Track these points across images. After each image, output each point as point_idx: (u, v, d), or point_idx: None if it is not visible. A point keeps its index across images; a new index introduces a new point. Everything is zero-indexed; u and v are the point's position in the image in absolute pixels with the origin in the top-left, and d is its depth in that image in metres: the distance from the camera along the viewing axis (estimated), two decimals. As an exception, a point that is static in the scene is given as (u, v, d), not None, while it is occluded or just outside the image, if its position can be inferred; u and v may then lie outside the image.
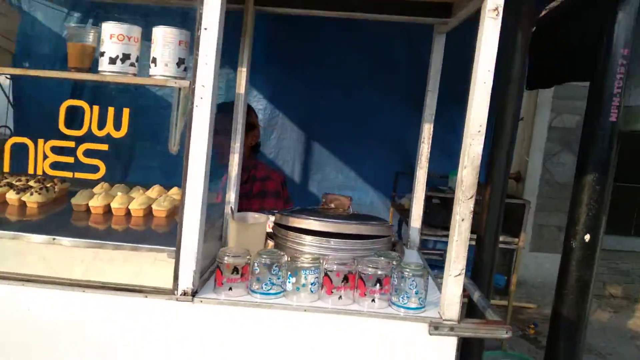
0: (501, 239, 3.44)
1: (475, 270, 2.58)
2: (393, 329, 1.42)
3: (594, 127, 2.16)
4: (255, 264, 1.47)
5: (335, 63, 4.20)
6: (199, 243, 1.42)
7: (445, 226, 2.99)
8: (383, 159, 4.22)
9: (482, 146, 1.28)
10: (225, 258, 1.46)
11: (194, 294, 1.44)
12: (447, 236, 3.58)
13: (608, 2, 2.09)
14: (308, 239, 1.65)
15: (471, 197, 1.31)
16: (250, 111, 2.72)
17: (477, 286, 2.62)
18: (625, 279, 5.66)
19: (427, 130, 2.02)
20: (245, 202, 2.57)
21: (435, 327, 1.38)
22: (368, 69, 4.26)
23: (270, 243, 1.75)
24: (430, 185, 3.94)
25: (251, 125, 2.65)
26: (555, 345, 2.36)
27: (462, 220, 1.32)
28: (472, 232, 3.20)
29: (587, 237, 2.25)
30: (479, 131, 1.28)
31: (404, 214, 3.83)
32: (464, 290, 1.95)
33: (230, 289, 1.46)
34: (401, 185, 4.06)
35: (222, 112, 2.50)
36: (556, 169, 5.56)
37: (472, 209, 1.31)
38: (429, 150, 2.04)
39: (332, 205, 1.80)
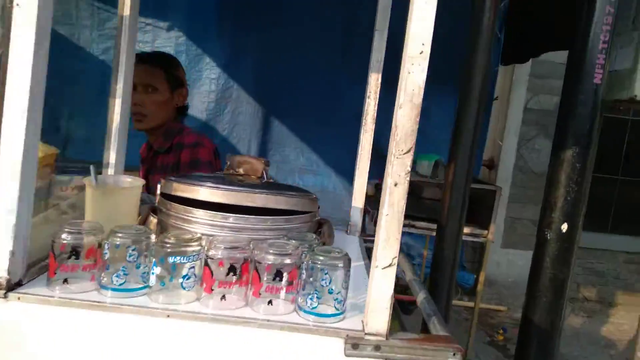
0: (469, 230, 3.06)
1: (435, 265, 2.19)
2: (296, 346, 0.98)
3: (575, 92, 1.79)
4: (106, 246, 1.02)
5: (298, 29, 3.79)
6: (20, 212, 0.97)
7: (409, 214, 2.56)
8: (348, 140, 3.83)
9: (425, 74, 0.85)
10: (63, 235, 1.01)
11: (11, 287, 0.99)
12: (411, 225, 3.17)
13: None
14: (198, 213, 1.20)
15: (408, 152, 0.87)
16: (177, 65, 2.30)
17: (437, 285, 2.24)
18: (600, 280, 5.32)
19: (374, 81, 1.59)
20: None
21: (354, 346, 0.95)
22: (333, 38, 3.86)
23: (154, 220, 1.31)
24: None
25: (179, 82, 2.22)
26: (524, 354, 2.00)
27: (395, 185, 0.89)
28: (432, 220, 2.79)
29: (565, 226, 1.88)
30: (421, 52, 0.85)
31: (367, 200, 3.45)
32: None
33: (66, 281, 1.01)
34: (366, 169, 3.68)
35: (144, 63, 2.06)
36: (531, 155, 5.17)
37: (409, 168, 0.88)
38: (376, 108, 1.61)
39: (241, 170, 1.36)
